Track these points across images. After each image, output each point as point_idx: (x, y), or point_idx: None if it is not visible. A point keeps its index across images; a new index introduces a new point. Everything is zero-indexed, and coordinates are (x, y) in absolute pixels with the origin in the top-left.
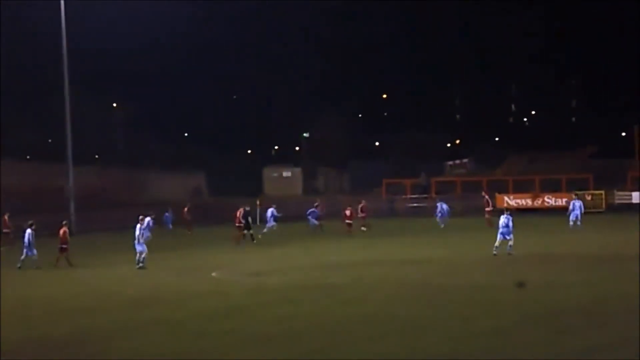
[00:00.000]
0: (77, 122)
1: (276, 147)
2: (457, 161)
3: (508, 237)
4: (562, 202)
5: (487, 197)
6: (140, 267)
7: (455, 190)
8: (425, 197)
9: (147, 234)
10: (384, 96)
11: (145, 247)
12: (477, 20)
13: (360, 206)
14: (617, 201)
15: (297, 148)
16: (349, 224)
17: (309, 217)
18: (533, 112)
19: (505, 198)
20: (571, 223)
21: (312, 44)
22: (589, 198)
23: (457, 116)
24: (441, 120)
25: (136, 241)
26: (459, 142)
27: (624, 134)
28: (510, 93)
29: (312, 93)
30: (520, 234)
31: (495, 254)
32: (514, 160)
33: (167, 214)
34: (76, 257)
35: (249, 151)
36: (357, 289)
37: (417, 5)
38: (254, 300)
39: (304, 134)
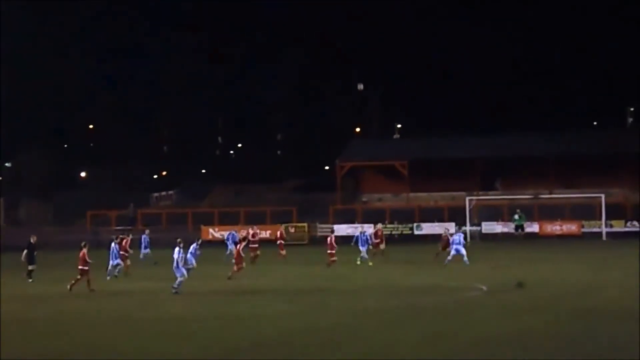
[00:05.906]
0: None
1: None
2: (163, 193)
3: None
4: (266, 234)
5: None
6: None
7: (162, 222)
8: (131, 229)
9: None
10: (90, 127)
11: (184, 271)
12: (180, 51)
13: (375, 230)
14: (319, 234)
15: None
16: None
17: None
18: (239, 145)
19: (210, 230)
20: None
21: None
22: (292, 230)
23: (164, 147)
24: (148, 152)
25: (175, 265)
26: (166, 174)
27: (327, 167)
28: (217, 125)
29: (14, 122)
30: (223, 266)
31: None
32: (220, 193)
33: None
34: None
35: None
36: (59, 322)
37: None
38: None
39: (6, 164)
